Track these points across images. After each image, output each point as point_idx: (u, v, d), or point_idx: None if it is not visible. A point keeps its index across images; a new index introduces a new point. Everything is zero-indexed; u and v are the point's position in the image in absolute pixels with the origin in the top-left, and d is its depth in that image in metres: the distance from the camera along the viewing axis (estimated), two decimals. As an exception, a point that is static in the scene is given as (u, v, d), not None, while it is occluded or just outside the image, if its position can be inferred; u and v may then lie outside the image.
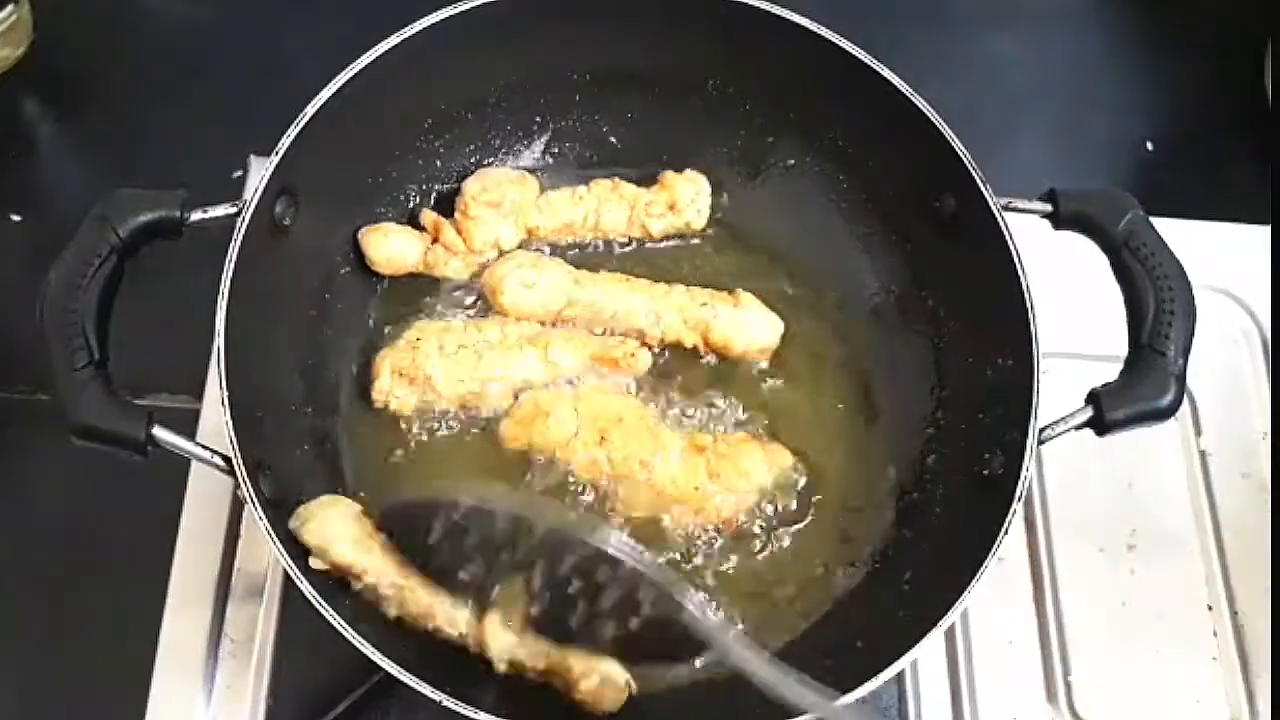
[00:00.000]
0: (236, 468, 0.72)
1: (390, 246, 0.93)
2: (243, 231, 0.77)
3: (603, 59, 0.96)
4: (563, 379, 0.91)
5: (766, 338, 0.93)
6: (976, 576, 0.74)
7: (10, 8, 1.10)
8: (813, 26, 0.88)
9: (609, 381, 0.91)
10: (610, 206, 0.96)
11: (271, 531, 0.72)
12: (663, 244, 0.99)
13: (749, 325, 0.93)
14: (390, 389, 0.88)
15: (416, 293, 0.95)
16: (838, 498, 0.91)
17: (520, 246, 0.96)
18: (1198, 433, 1.03)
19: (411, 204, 0.97)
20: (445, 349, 0.89)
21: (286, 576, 0.75)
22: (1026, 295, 0.81)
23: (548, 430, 0.87)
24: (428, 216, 0.95)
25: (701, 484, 0.87)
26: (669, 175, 0.98)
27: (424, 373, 0.88)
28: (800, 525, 0.89)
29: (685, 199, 0.97)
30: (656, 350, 0.93)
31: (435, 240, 0.94)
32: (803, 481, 0.90)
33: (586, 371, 0.91)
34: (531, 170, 0.99)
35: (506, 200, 0.94)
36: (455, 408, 0.89)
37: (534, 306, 0.92)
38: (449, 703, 0.69)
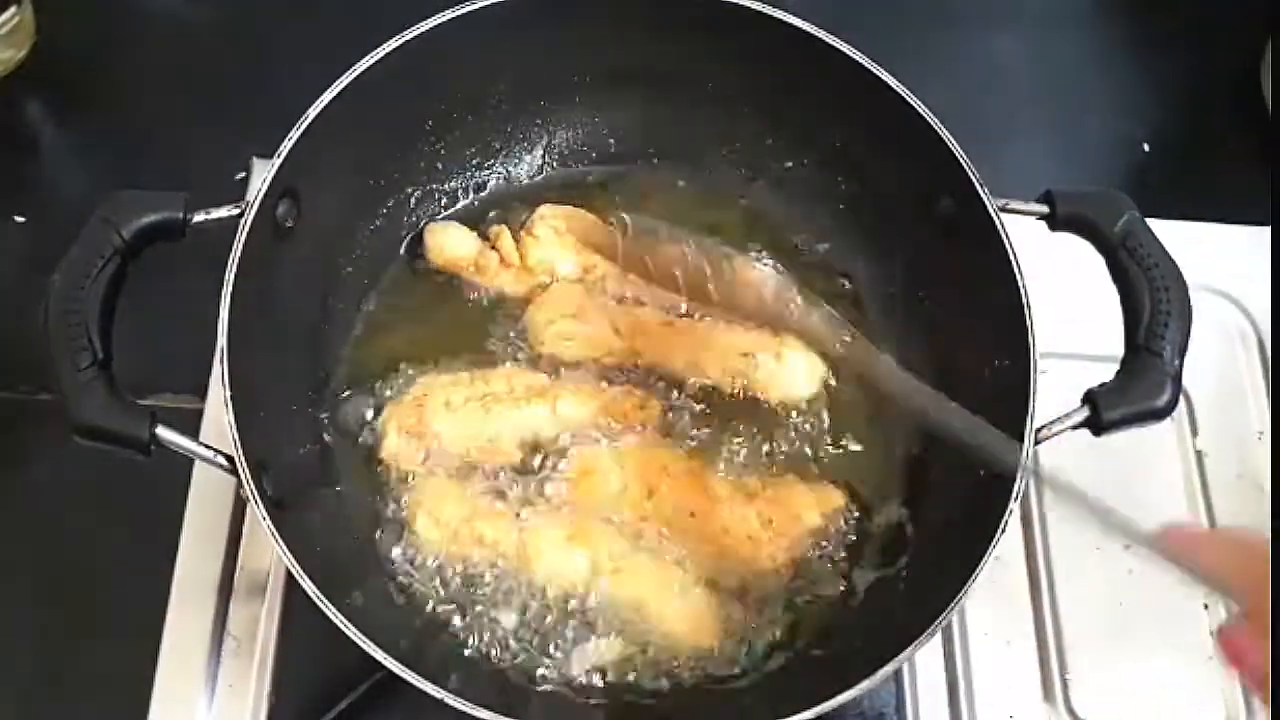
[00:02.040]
0: (239, 467, 0.73)
1: (448, 237, 0.95)
2: (245, 233, 0.77)
3: (603, 61, 0.96)
4: (570, 431, 0.89)
5: (804, 390, 0.92)
6: (974, 576, 0.74)
7: (12, 10, 1.10)
8: (811, 29, 0.88)
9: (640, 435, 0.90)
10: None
11: (274, 530, 0.72)
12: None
13: (788, 379, 0.91)
14: (397, 448, 0.87)
15: (415, 294, 0.96)
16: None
17: (576, 281, 0.96)
18: (1194, 433, 1.04)
19: (412, 204, 0.97)
20: (452, 404, 0.88)
21: (289, 575, 0.75)
22: (1024, 296, 0.82)
23: (594, 488, 0.86)
24: (495, 228, 0.96)
25: (755, 533, 0.86)
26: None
27: (430, 430, 0.87)
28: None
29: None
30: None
31: (493, 246, 0.95)
32: (855, 519, 0.89)
33: (595, 424, 0.89)
34: (534, 175, 1.01)
35: (575, 232, 0.95)
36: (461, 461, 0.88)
37: (571, 358, 0.92)
38: (451, 700, 0.69)
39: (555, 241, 0.96)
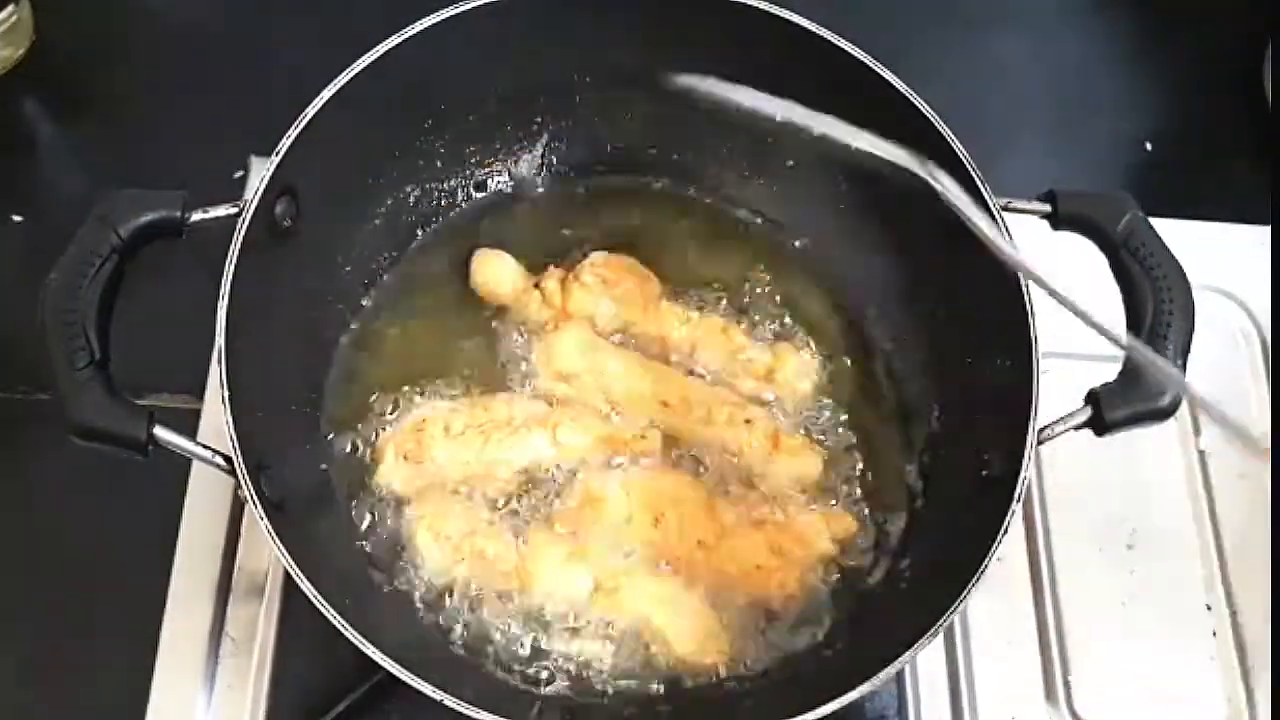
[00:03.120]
0: (237, 467, 0.72)
1: (494, 269, 0.94)
2: (243, 232, 0.77)
3: (603, 60, 0.96)
4: (570, 460, 0.88)
5: (790, 487, 0.90)
6: (976, 576, 0.74)
7: (11, 8, 1.10)
8: (813, 27, 0.88)
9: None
10: (712, 342, 0.94)
11: (273, 531, 0.72)
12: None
13: (778, 471, 0.90)
14: (393, 473, 0.86)
15: (415, 294, 0.96)
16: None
17: (612, 334, 0.94)
18: (1196, 433, 1.03)
19: (412, 203, 0.97)
20: (451, 430, 0.87)
21: (287, 576, 0.75)
22: (1026, 296, 0.82)
23: (599, 516, 0.86)
24: (550, 270, 0.95)
25: (764, 562, 0.85)
26: (783, 346, 0.94)
27: (429, 455, 0.86)
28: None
29: (787, 374, 0.93)
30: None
31: (538, 285, 0.94)
32: (869, 543, 0.89)
33: (595, 452, 0.89)
34: (534, 174, 1.01)
35: (622, 284, 0.94)
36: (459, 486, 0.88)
37: (567, 395, 0.91)
38: (450, 702, 0.69)
39: (602, 291, 0.94)
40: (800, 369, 0.94)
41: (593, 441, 0.89)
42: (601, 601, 0.84)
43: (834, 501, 0.90)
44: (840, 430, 0.93)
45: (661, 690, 0.83)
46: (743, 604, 0.86)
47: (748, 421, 0.90)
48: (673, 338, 0.94)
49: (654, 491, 0.87)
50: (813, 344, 0.96)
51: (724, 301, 0.97)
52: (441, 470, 0.87)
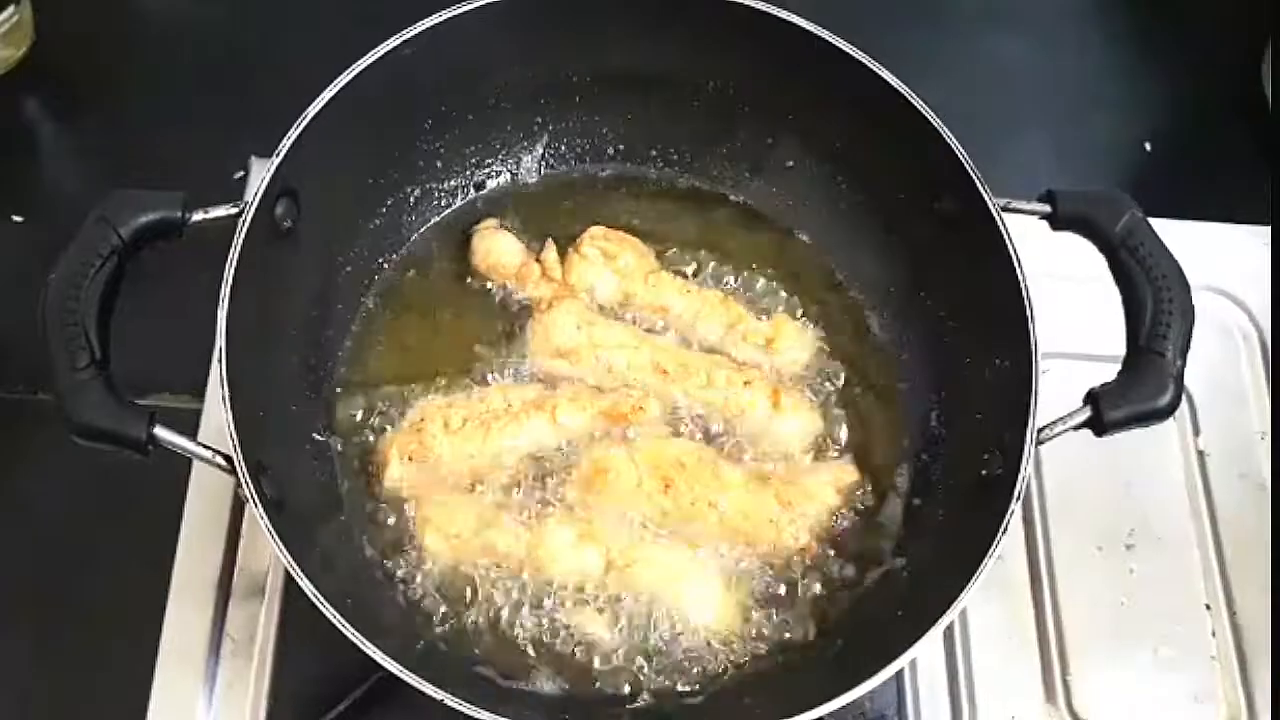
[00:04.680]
0: (238, 467, 0.72)
1: (496, 242, 0.95)
2: (244, 232, 0.77)
3: (603, 60, 0.96)
4: (572, 438, 0.89)
5: (793, 445, 0.91)
6: (975, 576, 0.74)
7: (11, 9, 1.10)
8: (812, 28, 0.88)
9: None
10: (712, 313, 0.94)
11: (273, 531, 0.72)
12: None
13: (780, 429, 0.91)
14: (401, 476, 0.86)
15: (416, 294, 0.96)
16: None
17: (613, 308, 0.95)
18: (1196, 432, 1.03)
19: (412, 203, 0.97)
20: (451, 425, 0.87)
21: (288, 576, 0.75)
22: (1025, 296, 0.82)
23: (609, 487, 0.86)
24: (549, 243, 0.96)
25: (775, 516, 0.86)
26: (781, 317, 0.95)
27: (433, 454, 0.86)
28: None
29: (785, 343, 0.94)
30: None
31: (538, 258, 0.95)
32: (870, 495, 0.90)
33: (596, 427, 0.89)
34: (535, 174, 1.01)
35: (622, 257, 0.95)
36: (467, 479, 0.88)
37: (568, 373, 0.91)
38: (451, 702, 0.69)
39: (601, 263, 0.95)
40: (799, 337, 0.95)
41: (592, 417, 0.89)
42: (615, 579, 0.84)
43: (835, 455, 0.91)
44: (838, 430, 0.93)
45: (666, 689, 0.83)
46: (756, 578, 0.86)
47: (747, 383, 0.91)
48: (673, 309, 0.95)
49: (661, 456, 0.87)
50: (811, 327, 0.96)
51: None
52: (447, 466, 0.87)
